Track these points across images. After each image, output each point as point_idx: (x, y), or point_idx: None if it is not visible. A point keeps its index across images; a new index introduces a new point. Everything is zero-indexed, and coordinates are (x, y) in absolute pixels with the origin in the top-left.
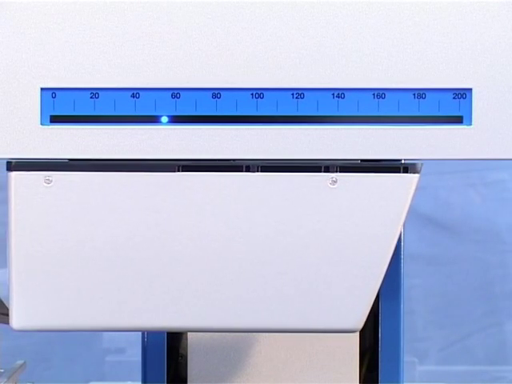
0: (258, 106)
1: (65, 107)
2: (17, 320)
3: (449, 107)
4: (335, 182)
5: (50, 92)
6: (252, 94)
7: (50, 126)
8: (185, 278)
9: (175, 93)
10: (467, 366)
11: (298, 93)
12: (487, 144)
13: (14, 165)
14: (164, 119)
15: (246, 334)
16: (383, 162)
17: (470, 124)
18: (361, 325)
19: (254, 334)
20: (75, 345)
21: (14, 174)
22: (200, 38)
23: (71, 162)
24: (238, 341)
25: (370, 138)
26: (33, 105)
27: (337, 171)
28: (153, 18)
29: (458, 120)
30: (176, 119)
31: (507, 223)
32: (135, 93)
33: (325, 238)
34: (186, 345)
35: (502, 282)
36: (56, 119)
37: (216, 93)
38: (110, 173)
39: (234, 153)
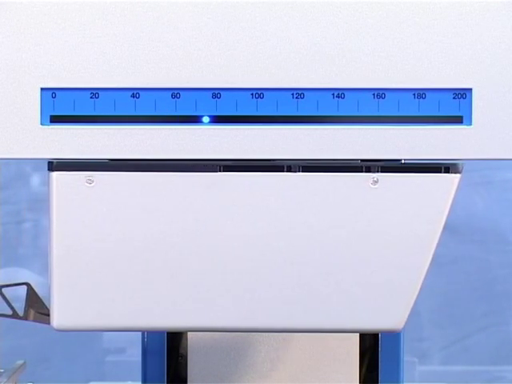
0: (257, 106)
1: (65, 107)
2: (57, 320)
3: (449, 107)
4: (376, 182)
5: (50, 92)
6: (252, 94)
7: (50, 126)
8: (226, 276)
9: (175, 93)
10: (467, 365)
11: (298, 93)
12: (487, 144)
13: (56, 165)
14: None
15: (245, 333)
16: (424, 162)
17: (470, 124)
18: (402, 324)
19: (254, 333)
20: (75, 345)
21: (55, 174)
22: (200, 38)
23: (113, 162)
24: (237, 341)
25: (370, 137)
26: (33, 105)
27: (378, 171)
28: (153, 18)
29: (457, 120)
30: (175, 119)
31: (510, 223)
32: (135, 93)
33: (366, 237)
34: (186, 345)
35: (504, 281)
36: (56, 119)
37: (216, 93)
38: (151, 173)
39: (234, 153)
